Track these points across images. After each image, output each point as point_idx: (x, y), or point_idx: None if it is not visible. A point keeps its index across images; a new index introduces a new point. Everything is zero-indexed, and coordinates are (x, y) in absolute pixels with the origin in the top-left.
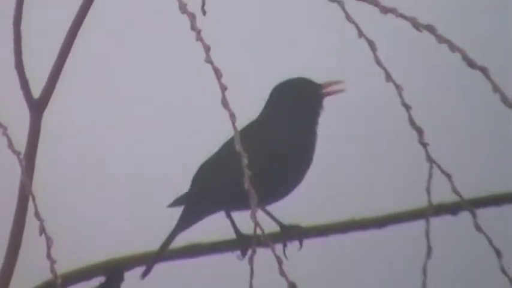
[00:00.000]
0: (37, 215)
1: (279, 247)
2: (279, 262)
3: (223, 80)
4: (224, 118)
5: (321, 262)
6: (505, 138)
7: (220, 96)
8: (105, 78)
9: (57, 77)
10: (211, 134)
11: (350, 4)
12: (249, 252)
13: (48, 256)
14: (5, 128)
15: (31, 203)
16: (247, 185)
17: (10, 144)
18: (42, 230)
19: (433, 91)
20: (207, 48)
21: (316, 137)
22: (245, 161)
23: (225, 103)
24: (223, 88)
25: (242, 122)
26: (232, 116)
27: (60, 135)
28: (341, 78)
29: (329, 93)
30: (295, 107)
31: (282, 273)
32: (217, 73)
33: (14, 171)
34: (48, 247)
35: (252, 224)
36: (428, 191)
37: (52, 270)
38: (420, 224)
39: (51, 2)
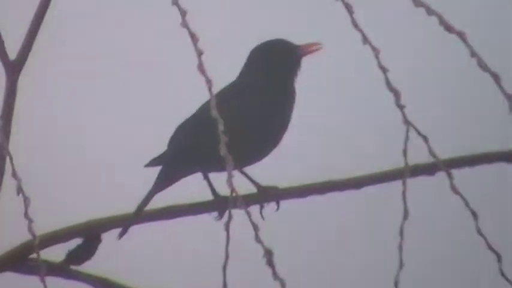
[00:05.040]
0: (14, 174)
1: (256, 208)
2: (255, 229)
3: (199, 45)
4: (201, 84)
5: (299, 224)
6: (480, 100)
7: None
8: (84, 40)
9: (34, 38)
10: (189, 99)
11: None
12: (226, 215)
13: (26, 216)
14: None
15: (8, 163)
16: (223, 151)
17: None
18: (20, 190)
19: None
20: (184, 14)
21: (294, 98)
22: (221, 127)
23: (201, 69)
24: (200, 53)
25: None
26: (209, 82)
27: (37, 98)
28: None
29: (307, 53)
30: (273, 68)
31: (258, 240)
32: (193, 38)
33: None
34: (26, 207)
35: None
36: (405, 152)
37: (30, 229)
38: (398, 185)
39: None
